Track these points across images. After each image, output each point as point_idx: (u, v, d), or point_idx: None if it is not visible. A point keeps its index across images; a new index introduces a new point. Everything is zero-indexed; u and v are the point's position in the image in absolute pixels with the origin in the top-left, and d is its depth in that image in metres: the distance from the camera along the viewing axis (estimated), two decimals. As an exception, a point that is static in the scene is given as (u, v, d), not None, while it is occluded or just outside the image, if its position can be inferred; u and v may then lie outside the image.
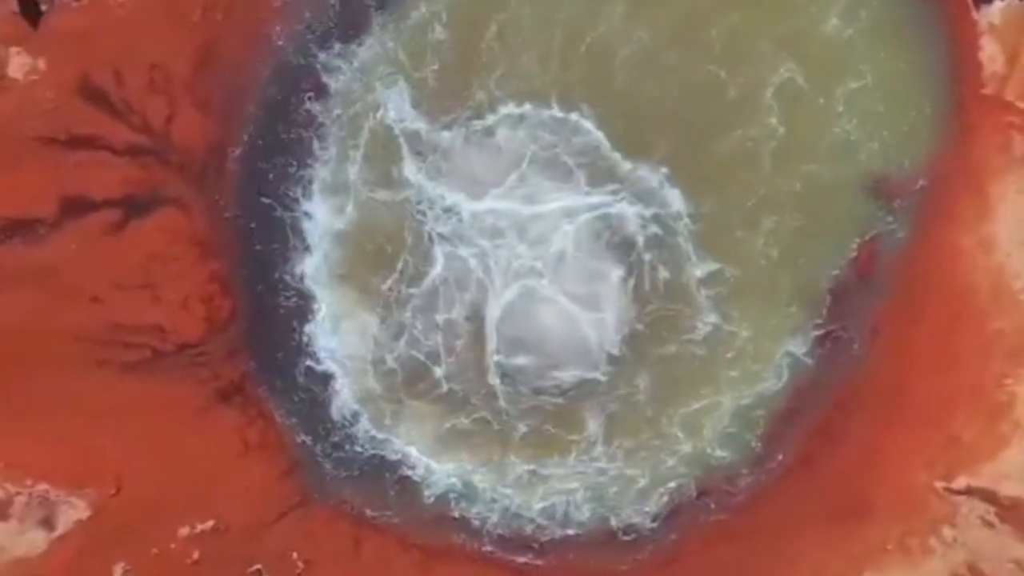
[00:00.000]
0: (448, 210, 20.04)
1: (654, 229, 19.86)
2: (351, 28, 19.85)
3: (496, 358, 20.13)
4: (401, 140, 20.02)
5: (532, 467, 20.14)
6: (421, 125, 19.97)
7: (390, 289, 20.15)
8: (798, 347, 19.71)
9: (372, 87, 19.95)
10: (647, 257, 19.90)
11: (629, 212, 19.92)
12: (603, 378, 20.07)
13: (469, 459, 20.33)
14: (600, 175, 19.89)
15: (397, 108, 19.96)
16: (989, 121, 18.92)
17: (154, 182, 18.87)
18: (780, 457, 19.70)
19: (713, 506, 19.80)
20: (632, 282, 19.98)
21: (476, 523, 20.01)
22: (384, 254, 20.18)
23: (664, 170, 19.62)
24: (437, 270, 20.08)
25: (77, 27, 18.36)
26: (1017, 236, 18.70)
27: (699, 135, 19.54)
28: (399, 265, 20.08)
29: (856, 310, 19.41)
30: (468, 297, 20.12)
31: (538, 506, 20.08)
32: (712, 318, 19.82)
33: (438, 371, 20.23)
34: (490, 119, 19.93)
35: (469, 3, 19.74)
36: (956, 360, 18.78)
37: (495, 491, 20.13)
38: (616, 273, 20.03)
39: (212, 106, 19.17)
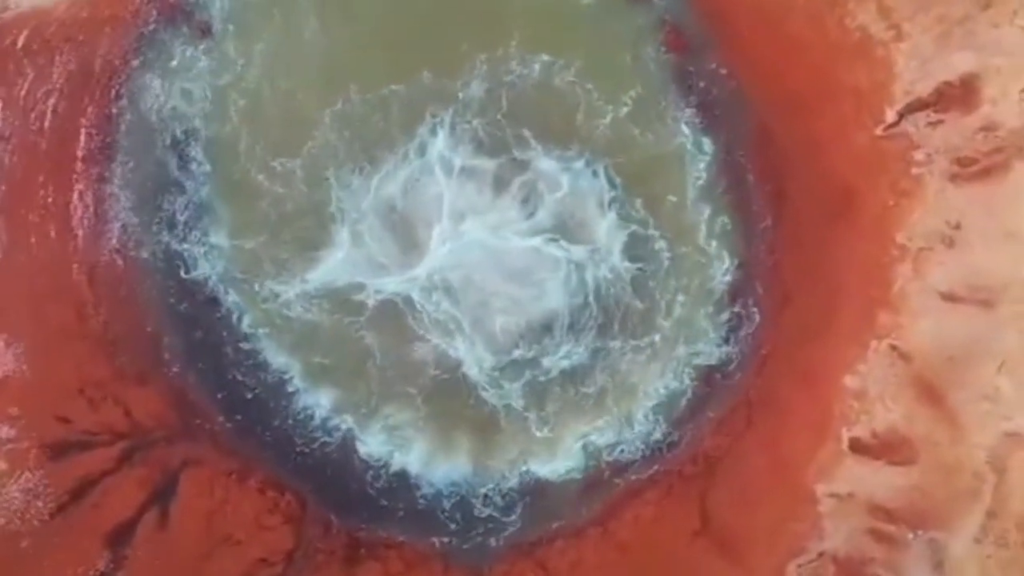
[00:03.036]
0: (307, 297, 20.29)
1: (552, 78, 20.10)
2: (182, 206, 20.38)
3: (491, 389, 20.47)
4: (241, 279, 20.37)
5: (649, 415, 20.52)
6: (239, 243, 20.29)
7: (374, 376, 20.33)
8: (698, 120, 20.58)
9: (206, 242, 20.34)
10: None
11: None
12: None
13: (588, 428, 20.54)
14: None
15: (219, 249, 20.29)
16: None
17: (158, 465, 19.47)
18: (760, 188, 20.51)
19: (761, 256, 20.47)
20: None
21: (621, 463, 20.34)
22: (332, 363, 20.42)
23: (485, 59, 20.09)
24: (372, 340, 20.28)
25: (6, 414, 19.27)
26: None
27: (492, 24, 20.26)
28: (346, 356, 20.33)
29: (706, 67, 20.37)
30: (433, 338, 20.35)
31: (664, 428, 20.46)
32: (670, 133, 20.33)
33: (500, 416, 20.47)
34: (285, 194, 20.14)
35: (213, 102, 20.29)
36: (805, 37, 19.95)
37: (622, 437, 20.50)
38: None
39: (145, 371, 19.84)
